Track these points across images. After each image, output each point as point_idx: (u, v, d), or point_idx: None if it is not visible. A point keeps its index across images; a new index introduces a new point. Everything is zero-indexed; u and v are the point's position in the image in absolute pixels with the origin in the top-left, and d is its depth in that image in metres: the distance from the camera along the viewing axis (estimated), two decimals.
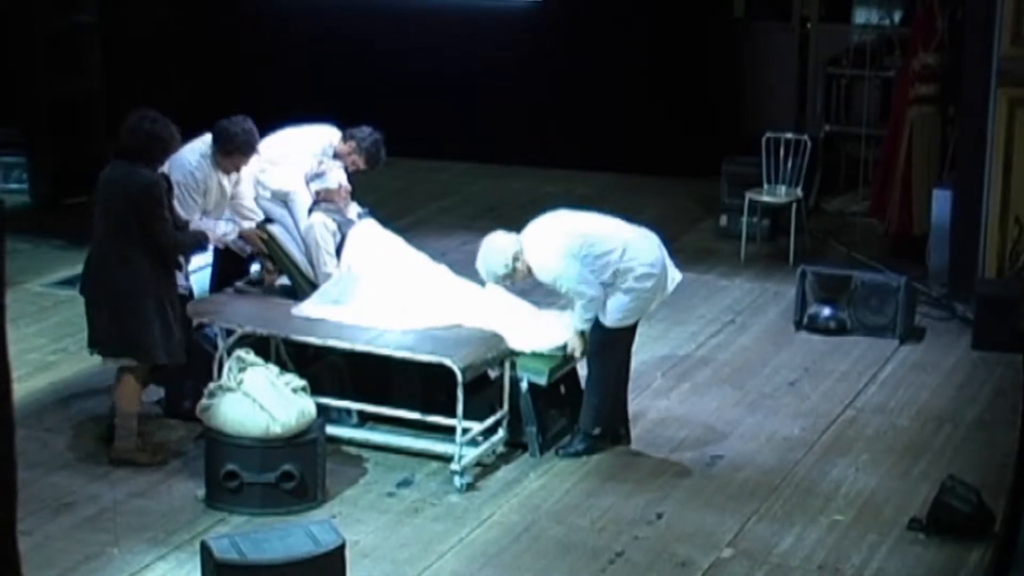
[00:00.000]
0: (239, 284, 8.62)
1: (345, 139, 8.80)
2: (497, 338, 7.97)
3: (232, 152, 8.19)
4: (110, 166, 7.75)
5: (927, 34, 11.30)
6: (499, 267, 7.82)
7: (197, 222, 8.17)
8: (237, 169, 8.30)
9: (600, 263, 7.82)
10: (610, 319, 7.92)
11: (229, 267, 8.76)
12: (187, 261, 8.18)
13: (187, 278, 8.26)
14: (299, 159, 8.78)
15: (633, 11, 13.54)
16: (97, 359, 7.95)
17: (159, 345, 7.68)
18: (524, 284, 8.22)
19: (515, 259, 7.81)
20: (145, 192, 7.57)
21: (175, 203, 7.90)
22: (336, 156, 8.76)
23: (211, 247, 8.47)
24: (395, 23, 14.02)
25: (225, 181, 8.36)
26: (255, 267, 8.74)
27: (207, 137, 8.28)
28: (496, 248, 7.85)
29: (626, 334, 8.07)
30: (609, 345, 8.00)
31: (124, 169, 7.64)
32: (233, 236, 8.46)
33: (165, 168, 7.92)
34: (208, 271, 8.77)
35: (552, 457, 8.10)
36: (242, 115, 8.26)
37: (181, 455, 7.97)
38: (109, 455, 7.90)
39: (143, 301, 7.62)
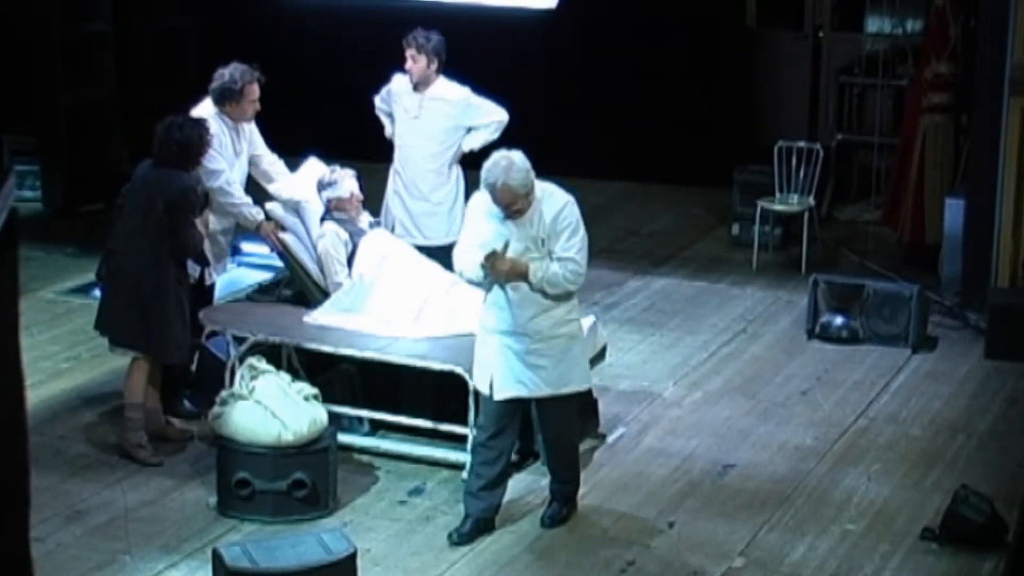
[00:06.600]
0: (250, 292, 8.65)
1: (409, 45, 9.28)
2: None
3: (232, 97, 8.37)
4: (147, 165, 7.96)
5: (940, 43, 11.28)
6: (524, 184, 7.06)
7: (228, 174, 8.30)
8: (252, 105, 8.41)
9: None
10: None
11: None
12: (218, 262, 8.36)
13: (214, 275, 8.39)
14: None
15: (645, 20, 13.53)
16: (109, 365, 7.96)
17: (176, 344, 7.87)
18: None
19: (533, 188, 7.12)
20: (182, 197, 7.79)
21: (204, 161, 8.14)
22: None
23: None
24: (410, 31, 14.01)
25: (237, 140, 8.45)
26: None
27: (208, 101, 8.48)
28: (524, 167, 7.07)
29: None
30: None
31: (163, 173, 7.85)
32: (256, 217, 8.47)
33: None
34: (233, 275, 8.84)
35: None
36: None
37: (186, 458, 8.01)
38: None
39: (167, 301, 7.78)
